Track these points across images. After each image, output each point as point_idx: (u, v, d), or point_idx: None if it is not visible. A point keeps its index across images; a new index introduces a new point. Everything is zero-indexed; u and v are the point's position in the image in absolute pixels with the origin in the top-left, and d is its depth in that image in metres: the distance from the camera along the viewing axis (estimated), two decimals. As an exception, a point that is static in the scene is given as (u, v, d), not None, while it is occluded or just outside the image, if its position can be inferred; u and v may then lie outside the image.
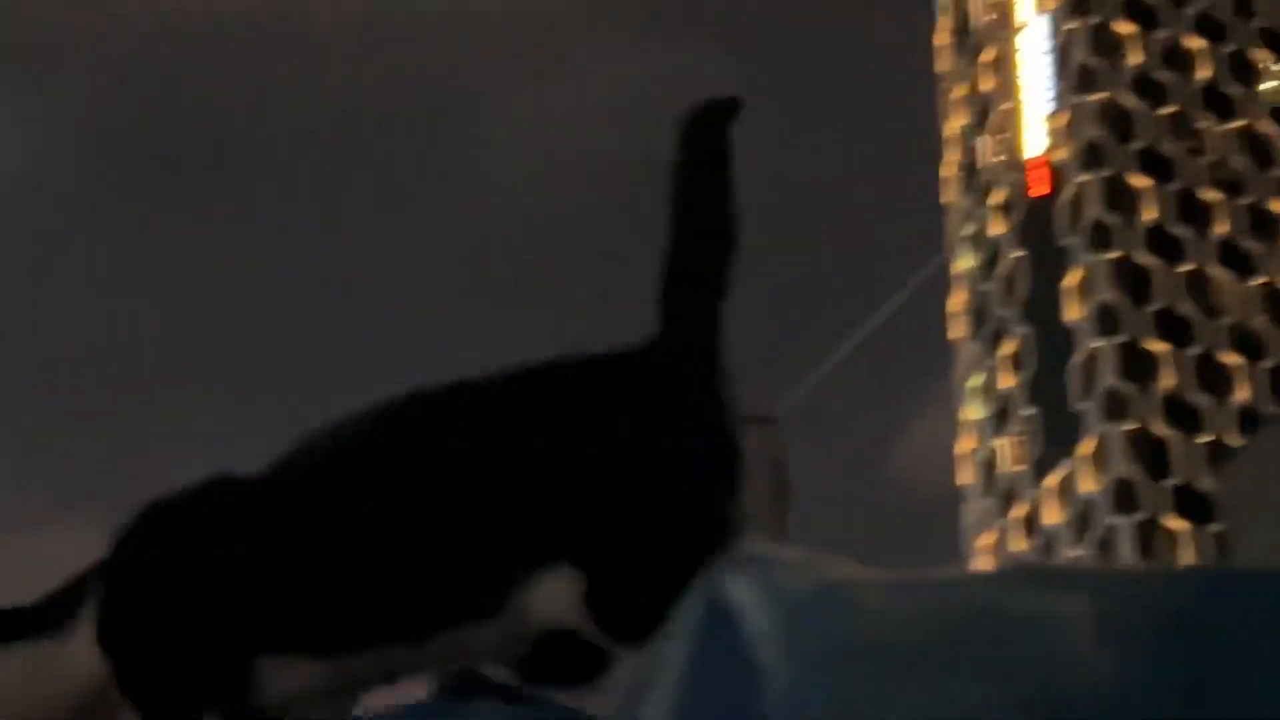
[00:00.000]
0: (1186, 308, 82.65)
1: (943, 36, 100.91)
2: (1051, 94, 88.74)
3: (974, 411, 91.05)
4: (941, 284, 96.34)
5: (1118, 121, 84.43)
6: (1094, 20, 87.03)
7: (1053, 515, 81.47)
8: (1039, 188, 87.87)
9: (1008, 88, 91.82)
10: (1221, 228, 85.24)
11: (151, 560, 2.09)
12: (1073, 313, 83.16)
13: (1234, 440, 71.95)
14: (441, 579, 1.95)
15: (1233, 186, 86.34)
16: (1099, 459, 79.33)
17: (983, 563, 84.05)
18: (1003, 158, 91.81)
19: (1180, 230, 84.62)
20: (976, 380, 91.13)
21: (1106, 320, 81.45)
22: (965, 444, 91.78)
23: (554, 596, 1.89)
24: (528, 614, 1.91)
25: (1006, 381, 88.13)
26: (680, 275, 2.09)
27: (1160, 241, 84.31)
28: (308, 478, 2.08)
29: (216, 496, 2.12)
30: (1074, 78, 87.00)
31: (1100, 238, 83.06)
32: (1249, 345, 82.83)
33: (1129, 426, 78.49)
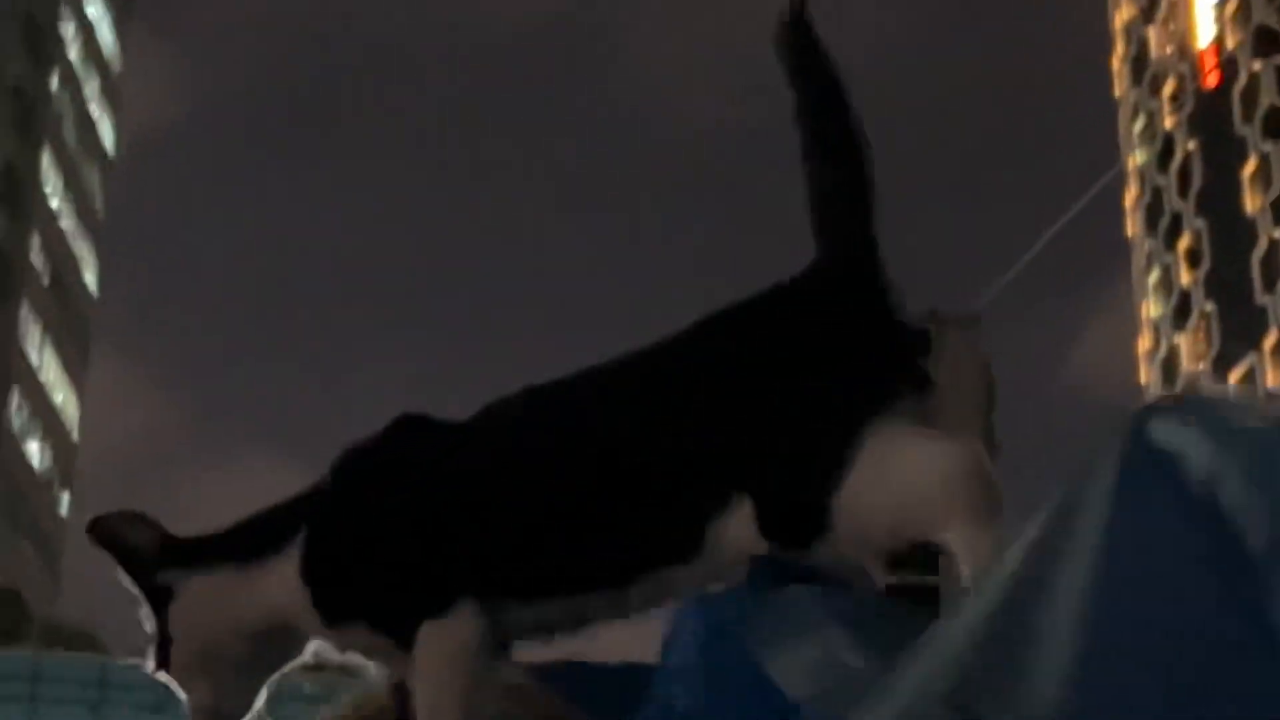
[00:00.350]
0: None
1: None
2: (1211, 19, 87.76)
3: (1153, 309, 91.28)
4: (1119, 183, 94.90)
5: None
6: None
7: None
8: (1211, 78, 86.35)
9: (1175, 12, 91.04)
10: None
11: (357, 500, 2.16)
12: (1252, 204, 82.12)
13: None
14: (642, 525, 1.99)
15: None
16: None
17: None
18: (1172, 49, 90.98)
19: None
20: (1155, 276, 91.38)
21: None
22: (1145, 342, 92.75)
23: (741, 527, 1.94)
24: (720, 549, 1.96)
25: (1185, 277, 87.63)
26: (824, 196, 2.11)
27: None
28: (510, 428, 2.15)
29: (420, 440, 2.21)
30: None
31: (1276, 126, 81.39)
32: None
33: None
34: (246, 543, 2.21)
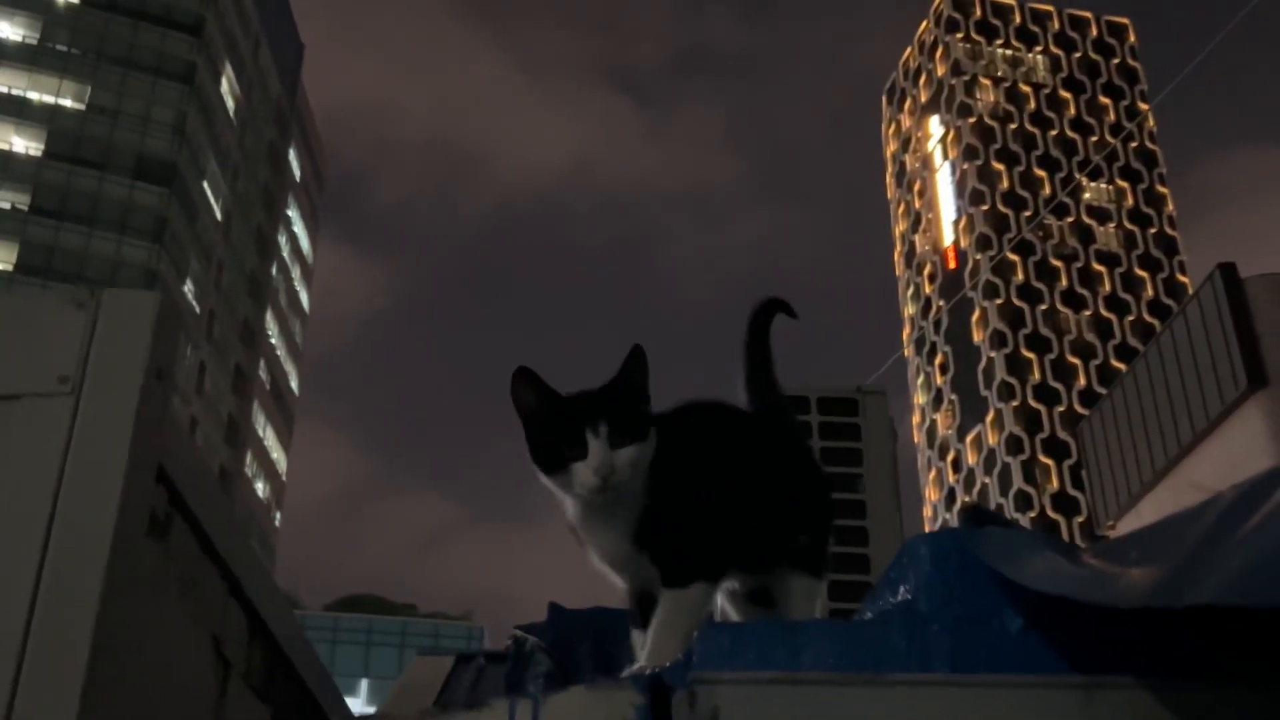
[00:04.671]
0: (1046, 330, 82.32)
1: (889, 179, 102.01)
2: (955, 207, 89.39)
3: (920, 398, 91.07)
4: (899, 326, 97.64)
5: (997, 222, 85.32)
6: (978, 163, 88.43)
7: (970, 460, 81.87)
8: (952, 263, 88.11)
9: (930, 204, 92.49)
10: (1063, 282, 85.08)
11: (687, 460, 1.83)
12: (977, 336, 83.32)
13: (1081, 410, 70.68)
14: (784, 532, 1.85)
15: (1069, 257, 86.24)
16: (997, 424, 79.72)
17: (930, 492, 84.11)
18: (928, 246, 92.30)
19: (1039, 285, 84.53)
20: (921, 379, 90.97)
21: (997, 340, 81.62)
22: (915, 418, 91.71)
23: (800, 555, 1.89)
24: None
25: (939, 380, 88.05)
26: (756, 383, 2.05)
27: (1028, 293, 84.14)
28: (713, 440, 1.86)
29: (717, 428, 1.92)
30: (968, 197, 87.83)
31: (990, 291, 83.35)
32: (1086, 352, 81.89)
33: (1015, 404, 78.69)
34: None
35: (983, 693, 1.31)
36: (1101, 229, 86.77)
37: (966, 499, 76.69)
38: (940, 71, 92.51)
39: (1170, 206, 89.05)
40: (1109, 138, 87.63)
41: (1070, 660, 1.32)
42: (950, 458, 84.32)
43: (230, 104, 56.22)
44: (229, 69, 55.72)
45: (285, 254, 64.88)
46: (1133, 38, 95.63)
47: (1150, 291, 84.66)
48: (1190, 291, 20.12)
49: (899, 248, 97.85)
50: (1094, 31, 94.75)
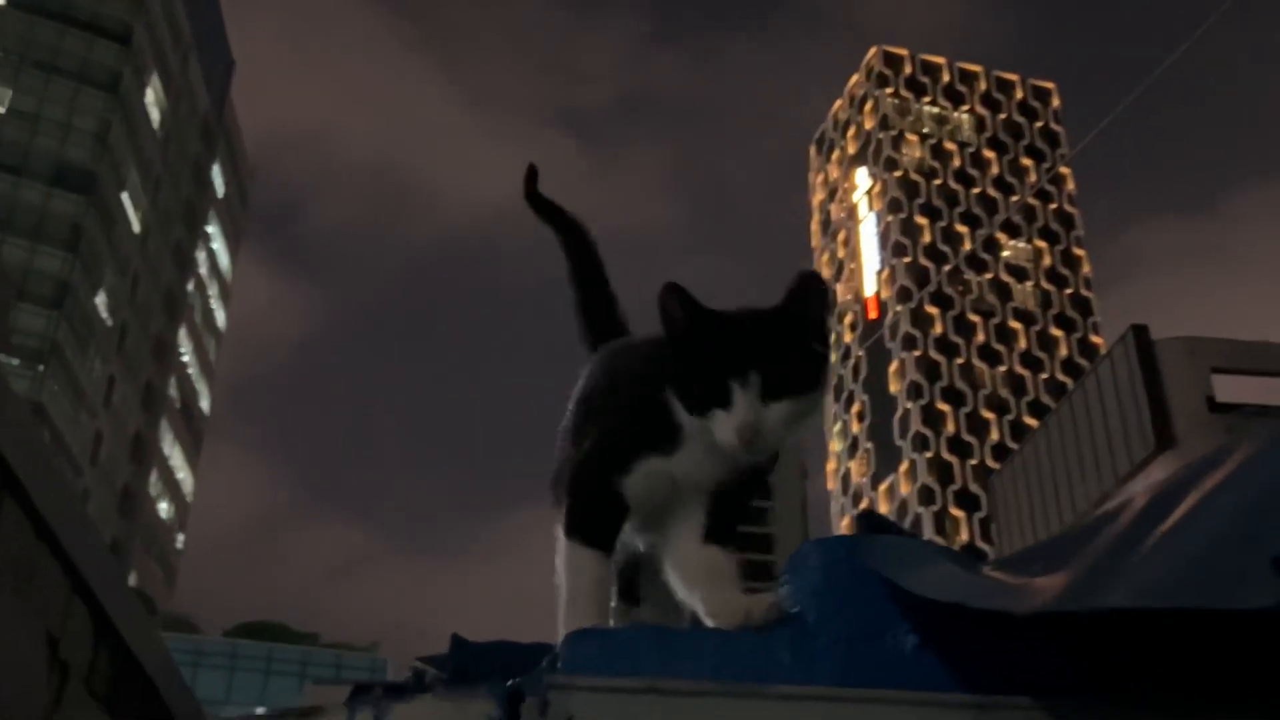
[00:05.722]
0: (961, 384, 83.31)
1: (815, 228, 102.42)
2: (878, 258, 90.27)
3: (836, 445, 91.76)
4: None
5: (918, 275, 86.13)
6: (902, 216, 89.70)
7: (883, 508, 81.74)
8: (872, 313, 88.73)
9: (854, 254, 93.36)
10: (980, 337, 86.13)
11: None
12: (894, 387, 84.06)
13: (993, 464, 71.57)
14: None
15: (987, 313, 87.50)
16: (910, 474, 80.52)
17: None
18: (850, 296, 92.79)
19: (957, 339, 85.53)
20: (837, 427, 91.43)
21: (913, 392, 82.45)
22: (831, 464, 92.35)
23: None
24: None
25: (855, 428, 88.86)
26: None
27: (945, 346, 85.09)
28: None
29: None
30: (891, 249, 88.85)
31: (908, 343, 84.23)
32: (1000, 406, 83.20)
33: (929, 455, 79.43)
34: None
35: (870, 709, 1.24)
36: (1019, 287, 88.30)
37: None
38: (869, 125, 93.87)
39: (1086, 268, 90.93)
40: (1029, 198, 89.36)
41: (964, 678, 1.25)
42: (863, 505, 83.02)
43: (155, 116, 55.45)
44: (156, 80, 55.00)
45: (204, 271, 63.96)
46: (1057, 102, 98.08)
47: (1064, 350, 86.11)
48: (1102, 353, 20.55)
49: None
50: (1019, 94, 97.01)
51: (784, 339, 1.44)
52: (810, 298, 1.47)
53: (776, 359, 1.42)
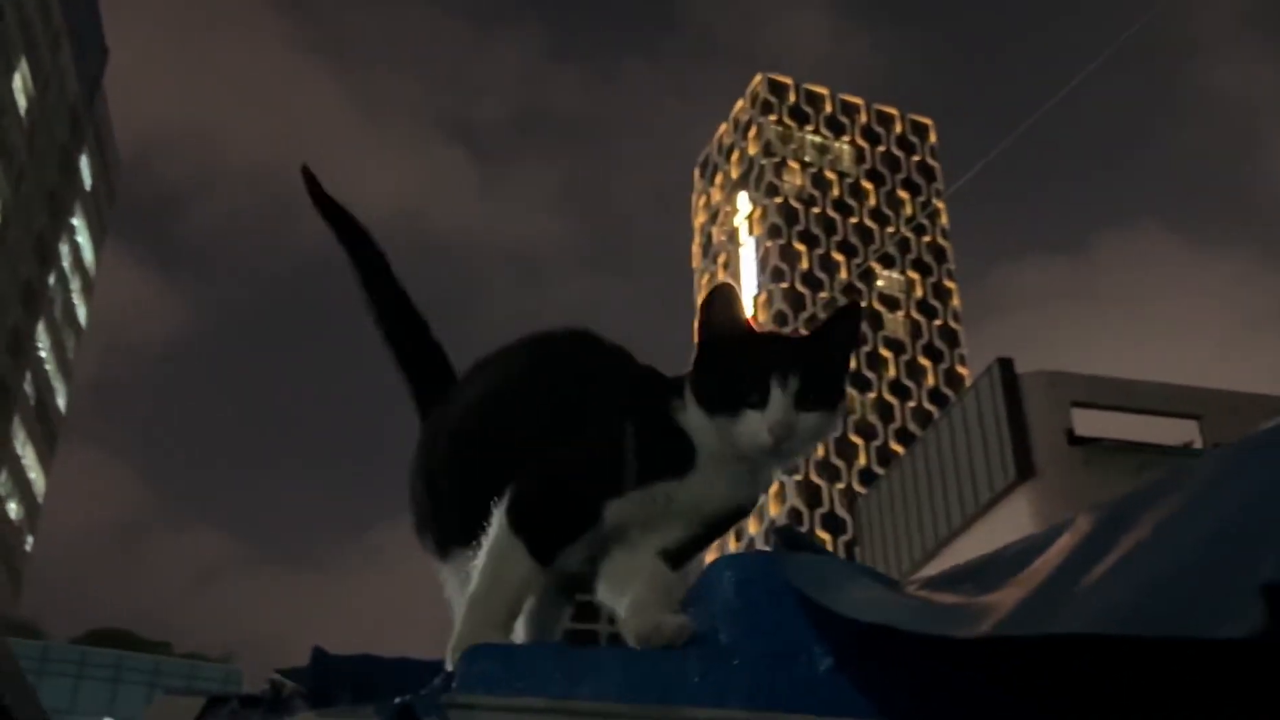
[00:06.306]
0: None
1: (696, 249, 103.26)
2: (756, 282, 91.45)
3: None
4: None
5: (795, 301, 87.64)
6: (781, 242, 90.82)
7: (753, 529, 78.21)
8: None
9: (733, 277, 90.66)
10: (852, 364, 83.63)
11: None
12: None
13: (859, 488, 72.36)
14: None
15: (859, 341, 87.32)
16: (779, 496, 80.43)
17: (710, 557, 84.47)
18: None
19: None
20: None
21: None
22: None
23: None
24: None
25: None
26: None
27: None
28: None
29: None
30: (770, 274, 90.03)
31: None
32: (868, 432, 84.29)
33: (797, 478, 79.54)
34: None
35: (784, 734, 1.20)
36: (890, 316, 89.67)
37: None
38: (752, 150, 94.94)
39: (956, 301, 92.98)
40: (905, 230, 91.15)
41: (881, 704, 1.20)
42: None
43: (22, 101, 53.57)
44: (24, 65, 53.28)
45: (66, 264, 61.71)
46: (934, 138, 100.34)
47: (931, 380, 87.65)
48: (968, 384, 20.96)
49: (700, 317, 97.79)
50: (899, 128, 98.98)
51: (823, 356, 1.51)
52: (850, 328, 1.54)
53: (816, 371, 1.48)
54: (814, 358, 1.49)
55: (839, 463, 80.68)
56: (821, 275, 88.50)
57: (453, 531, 1.59)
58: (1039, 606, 0.95)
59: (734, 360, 1.47)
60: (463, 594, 1.49)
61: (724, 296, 1.50)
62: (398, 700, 1.23)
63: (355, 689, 1.84)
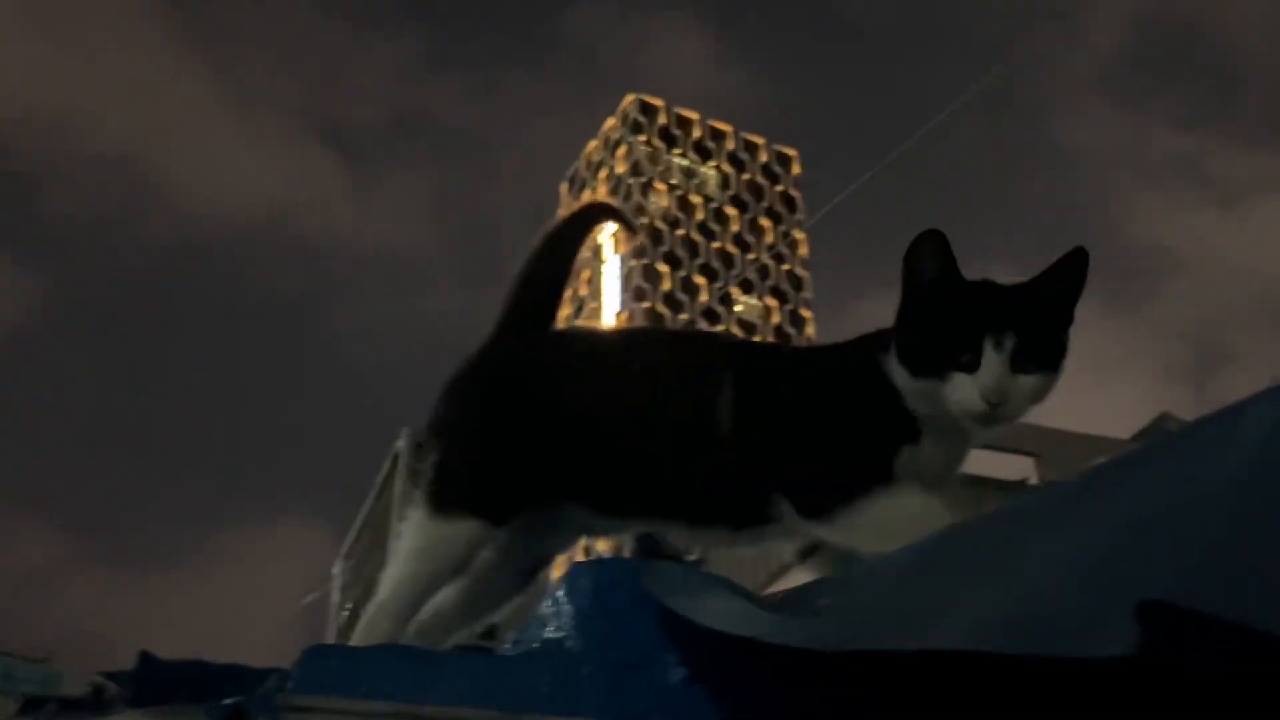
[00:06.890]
0: None
1: None
2: (619, 300, 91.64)
3: None
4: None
5: (655, 321, 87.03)
6: (645, 262, 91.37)
7: (600, 546, 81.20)
8: None
9: (596, 295, 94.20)
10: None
11: None
12: None
13: None
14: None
15: None
16: None
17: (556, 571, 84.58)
18: None
19: None
20: None
21: None
22: None
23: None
24: None
25: None
26: None
27: None
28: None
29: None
30: (632, 293, 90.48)
31: None
32: None
33: None
34: None
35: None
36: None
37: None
38: (620, 169, 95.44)
39: (811, 329, 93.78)
40: (765, 257, 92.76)
41: (738, 718, 1.16)
42: (581, 545, 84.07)
43: None
44: None
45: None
46: (797, 169, 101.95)
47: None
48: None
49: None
50: (764, 157, 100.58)
51: (1044, 309, 1.38)
52: (1077, 273, 1.39)
53: (1035, 327, 1.36)
54: (1034, 310, 1.37)
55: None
56: (683, 297, 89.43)
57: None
58: (907, 621, 0.92)
59: (942, 315, 1.36)
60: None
61: (933, 243, 1.37)
62: (228, 701, 1.18)
63: (183, 694, 1.74)
